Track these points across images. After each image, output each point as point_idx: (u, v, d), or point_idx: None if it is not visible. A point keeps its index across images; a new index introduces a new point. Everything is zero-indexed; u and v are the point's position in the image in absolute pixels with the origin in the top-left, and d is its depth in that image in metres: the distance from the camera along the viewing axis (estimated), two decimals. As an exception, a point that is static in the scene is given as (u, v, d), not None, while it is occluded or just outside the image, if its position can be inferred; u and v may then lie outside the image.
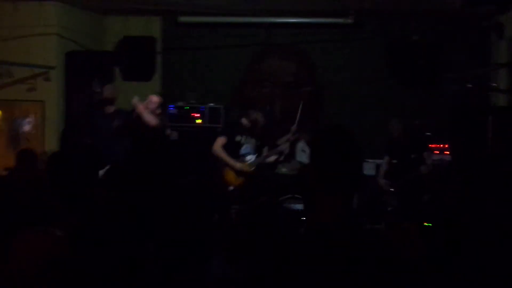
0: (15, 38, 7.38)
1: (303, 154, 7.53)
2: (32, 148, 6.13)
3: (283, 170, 7.14)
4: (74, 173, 2.66)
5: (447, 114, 7.73)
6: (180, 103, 8.31)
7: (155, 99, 6.55)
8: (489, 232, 2.76)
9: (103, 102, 6.78)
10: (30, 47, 7.42)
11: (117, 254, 2.38)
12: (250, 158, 6.42)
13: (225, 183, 6.31)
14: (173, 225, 2.52)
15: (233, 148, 6.36)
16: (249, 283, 2.47)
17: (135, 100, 6.44)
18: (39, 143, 7.48)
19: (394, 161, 7.13)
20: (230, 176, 6.34)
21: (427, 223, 3.59)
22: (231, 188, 6.30)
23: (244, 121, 6.43)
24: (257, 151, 6.48)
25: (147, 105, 6.43)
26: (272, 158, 6.60)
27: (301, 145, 7.66)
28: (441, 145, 7.57)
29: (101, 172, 4.35)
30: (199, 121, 8.22)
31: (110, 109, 6.74)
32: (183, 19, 8.50)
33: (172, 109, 8.19)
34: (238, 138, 6.41)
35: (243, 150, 6.41)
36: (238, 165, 6.31)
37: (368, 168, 7.52)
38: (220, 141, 6.38)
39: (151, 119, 6.35)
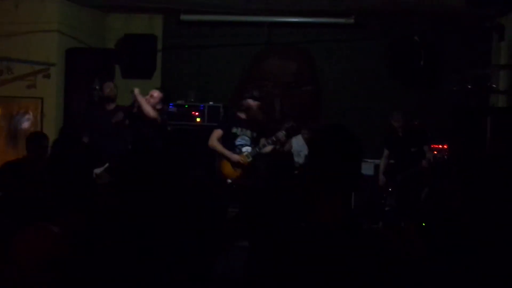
0: (15, 35, 7.37)
1: (298, 155, 7.47)
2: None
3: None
4: (70, 173, 2.66)
5: (447, 114, 7.74)
6: (179, 102, 8.30)
7: (156, 93, 6.52)
8: (489, 232, 2.77)
9: (103, 99, 6.77)
10: (30, 44, 7.41)
11: (117, 254, 2.38)
12: (247, 149, 6.35)
13: (222, 176, 6.26)
14: (174, 224, 2.52)
15: (229, 141, 6.31)
16: (249, 283, 2.47)
17: (136, 91, 6.40)
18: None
19: (392, 161, 7.14)
20: (227, 168, 6.28)
21: (427, 223, 3.59)
22: (229, 180, 6.25)
23: (239, 112, 6.41)
24: (254, 142, 6.39)
25: (149, 100, 6.42)
26: (269, 148, 6.43)
27: (295, 145, 7.61)
28: (441, 146, 7.57)
29: (100, 170, 4.36)
30: (198, 119, 8.22)
31: (110, 106, 6.73)
32: (185, 17, 8.50)
33: (171, 108, 8.17)
34: (234, 130, 6.36)
35: (239, 141, 6.35)
36: (234, 156, 6.26)
37: (367, 168, 7.53)
38: (216, 133, 6.34)
39: (150, 110, 6.32)
